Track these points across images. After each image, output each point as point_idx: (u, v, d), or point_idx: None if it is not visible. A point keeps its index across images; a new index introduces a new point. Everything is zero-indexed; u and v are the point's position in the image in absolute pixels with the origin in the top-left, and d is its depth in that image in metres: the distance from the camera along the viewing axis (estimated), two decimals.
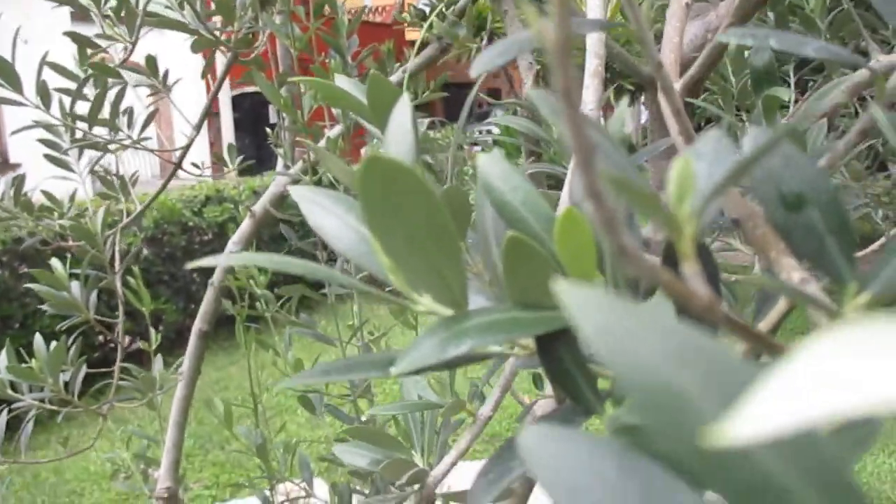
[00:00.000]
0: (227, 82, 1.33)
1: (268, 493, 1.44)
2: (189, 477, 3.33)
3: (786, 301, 0.32)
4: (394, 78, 1.31)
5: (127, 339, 4.16)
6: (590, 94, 0.48)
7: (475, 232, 0.36)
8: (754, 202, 0.35)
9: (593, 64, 0.48)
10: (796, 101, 0.99)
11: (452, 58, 1.52)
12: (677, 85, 0.40)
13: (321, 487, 1.41)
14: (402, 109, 0.31)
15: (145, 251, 4.42)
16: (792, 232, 0.28)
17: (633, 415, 0.18)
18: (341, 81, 0.43)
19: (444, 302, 0.30)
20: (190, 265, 0.26)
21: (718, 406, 0.18)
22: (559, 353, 0.30)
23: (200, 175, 1.23)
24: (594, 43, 0.48)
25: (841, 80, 0.58)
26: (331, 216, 0.32)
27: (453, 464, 0.46)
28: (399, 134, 0.30)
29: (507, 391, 0.45)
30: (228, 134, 10.41)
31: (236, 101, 10.74)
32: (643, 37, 0.33)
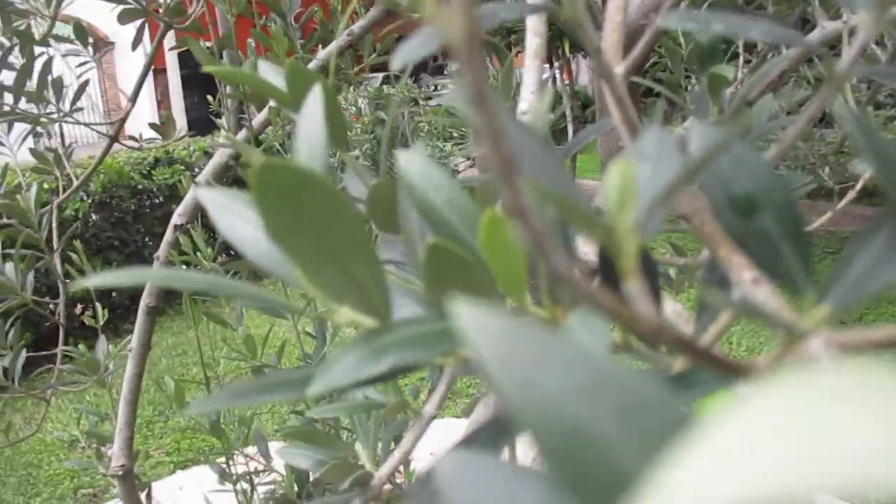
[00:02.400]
0: (172, 37, 1.27)
1: (224, 465, 1.43)
2: (150, 444, 3.30)
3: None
4: (339, 41, 1.27)
5: (79, 307, 4.05)
6: (530, 76, 0.46)
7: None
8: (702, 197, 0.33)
9: (534, 43, 0.45)
10: (748, 62, 0.98)
11: (405, 11, 1.47)
12: (620, 69, 0.37)
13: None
14: (314, 103, 0.29)
15: (94, 216, 4.30)
16: (744, 238, 0.26)
17: (542, 458, 0.16)
18: (264, 70, 0.40)
19: (365, 312, 0.28)
20: (75, 286, 0.24)
21: (640, 452, 0.16)
22: None
23: (140, 147, 1.18)
24: (535, 22, 0.46)
25: (788, 52, 0.56)
26: (241, 220, 0.30)
27: (398, 465, 0.44)
28: (309, 133, 0.28)
29: (450, 388, 0.44)
30: (176, 92, 10.12)
31: (183, 58, 10.42)
32: (580, 22, 0.31)
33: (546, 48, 0.51)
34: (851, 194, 0.79)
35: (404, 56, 0.26)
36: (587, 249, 0.36)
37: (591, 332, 0.27)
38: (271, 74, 0.36)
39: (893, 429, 0.10)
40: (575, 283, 0.22)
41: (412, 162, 0.29)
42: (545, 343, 0.17)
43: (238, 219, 0.29)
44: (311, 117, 0.28)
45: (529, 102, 0.41)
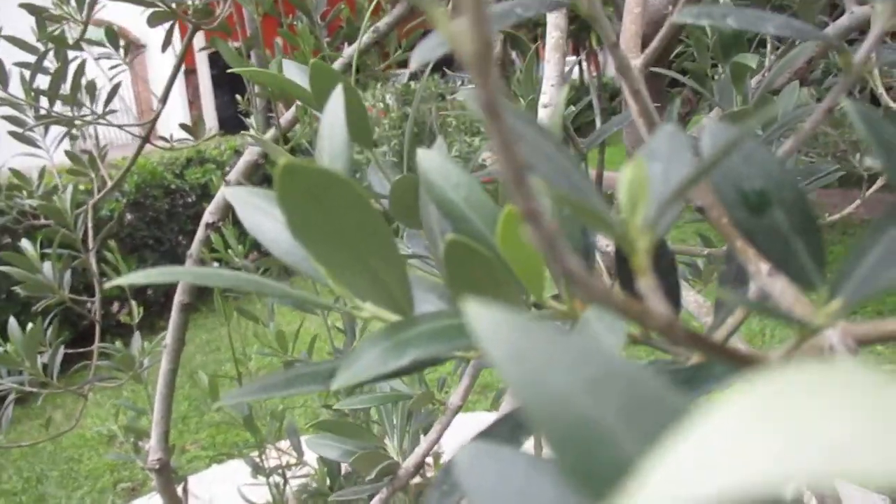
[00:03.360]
0: (202, 39, 1.29)
1: (257, 459, 1.45)
2: (185, 438, 3.35)
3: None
4: (364, 38, 1.27)
5: (115, 305, 4.12)
6: (551, 69, 0.46)
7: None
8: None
9: (554, 37, 0.45)
10: (777, 49, 0.97)
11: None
12: (638, 61, 0.38)
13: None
14: (336, 103, 0.30)
15: (129, 216, 4.37)
16: (756, 234, 0.27)
17: (552, 452, 0.17)
18: (289, 69, 0.41)
19: (388, 307, 0.29)
20: (109, 284, 0.25)
21: (643, 443, 0.16)
22: None
23: (171, 147, 1.21)
24: (556, 16, 0.46)
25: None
26: (267, 218, 0.31)
27: (425, 455, 0.45)
28: (331, 132, 0.28)
29: (475, 380, 0.44)
30: (207, 91, 10.22)
31: (213, 58, 10.52)
32: (595, 16, 0.31)
33: (567, 42, 0.51)
34: (881, 182, 0.78)
35: (421, 56, 0.27)
36: (608, 242, 0.36)
37: (607, 326, 0.28)
38: (296, 74, 0.37)
39: (874, 421, 0.10)
40: (587, 283, 0.22)
41: (431, 160, 0.29)
42: (554, 340, 0.17)
43: (264, 216, 0.30)
44: (333, 117, 0.29)
45: (550, 95, 0.42)
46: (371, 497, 0.50)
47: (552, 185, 0.20)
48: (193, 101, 9.94)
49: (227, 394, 0.27)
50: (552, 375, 0.16)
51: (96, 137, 1.33)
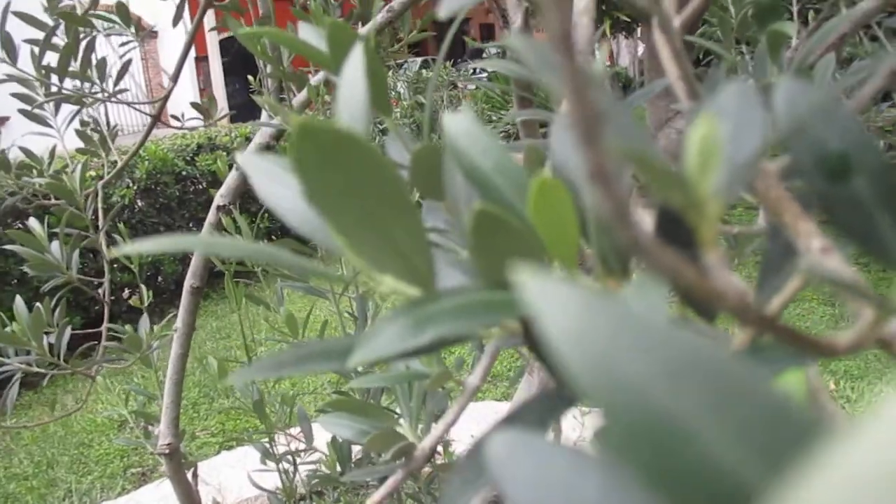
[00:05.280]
0: (214, 21, 1.27)
1: (267, 444, 1.44)
2: (196, 425, 3.36)
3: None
4: (378, 18, 1.25)
5: (126, 291, 4.12)
6: (579, 35, 0.44)
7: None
8: (779, 163, 0.31)
9: (583, 1, 0.43)
10: (799, 32, 0.94)
11: None
12: (676, 22, 0.35)
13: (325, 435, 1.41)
14: (356, 62, 0.27)
15: (139, 202, 4.37)
16: (835, 205, 0.24)
17: (616, 447, 0.14)
18: (304, 31, 0.39)
19: (408, 281, 0.27)
20: (117, 252, 0.23)
21: (731, 443, 0.13)
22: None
23: (181, 127, 1.19)
24: None
25: (849, 11, 0.53)
26: (282, 187, 0.29)
27: (441, 436, 0.43)
28: (351, 92, 0.26)
29: (495, 359, 0.42)
30: (218, 79, 10.22)
31: (225, 46, 10.51)
32: None
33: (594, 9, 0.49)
34: None
35: (450, 4, 0.25)
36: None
37: (648, 305, 0.26)
38: (311, 36, 0.35)
39: None
40: (658, 253, 0.20)
41: (459, 123, 0.27)
42: (623, 318, 0.15)
43: (279, 184, 0.28)
44: (353, 76, 0.27)
45: None
46: (384, 479, 0.48)
47: (615, 140, 0.18)
48: (205, 88, 9.94)
49: (237, 372, 0.26)
50: (623, 360, 0.14)
51: (107, 119, 1.31)
